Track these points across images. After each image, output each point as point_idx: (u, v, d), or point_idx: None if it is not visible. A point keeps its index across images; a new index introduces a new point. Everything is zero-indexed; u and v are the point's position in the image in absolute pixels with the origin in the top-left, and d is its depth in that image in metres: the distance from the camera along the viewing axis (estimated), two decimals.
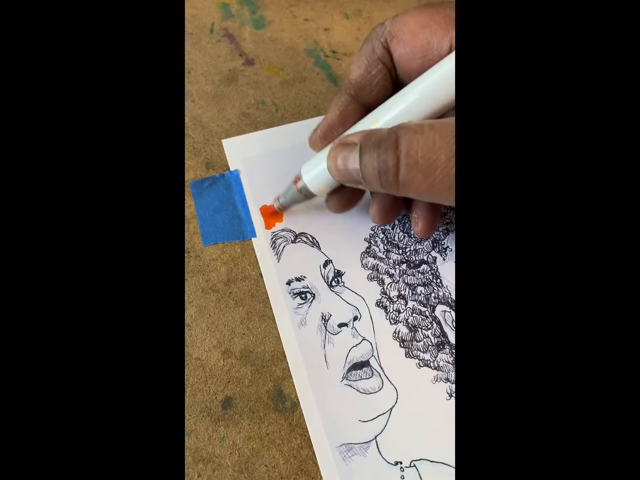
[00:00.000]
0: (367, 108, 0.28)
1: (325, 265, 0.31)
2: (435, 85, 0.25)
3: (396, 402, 0.28)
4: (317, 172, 0.29)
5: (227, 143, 0.35)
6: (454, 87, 0.24)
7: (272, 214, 0.33)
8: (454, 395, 0.28)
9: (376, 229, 0.33)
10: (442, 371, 0.29)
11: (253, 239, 0.32)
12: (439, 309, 0.30)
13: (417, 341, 0.29)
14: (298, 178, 0.30)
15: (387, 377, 0.28)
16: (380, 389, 0.28)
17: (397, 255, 0.32)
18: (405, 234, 0.32)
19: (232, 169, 0.34)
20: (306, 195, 0.30)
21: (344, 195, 0.30)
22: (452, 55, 0.24)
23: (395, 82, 0.28)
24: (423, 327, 0.30)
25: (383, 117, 0.26)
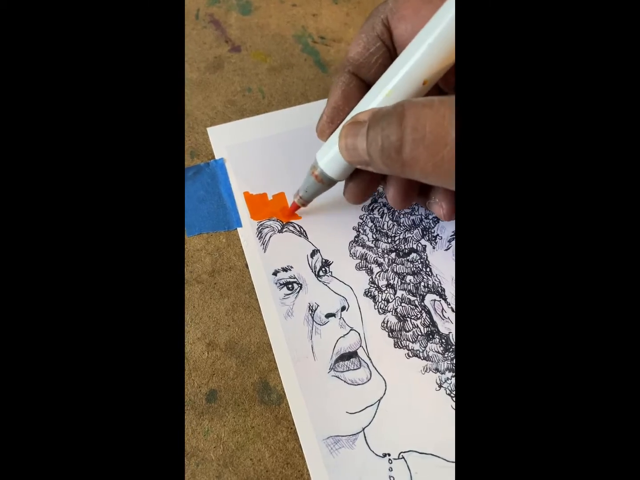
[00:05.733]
0: (369, 85, 0.26)
1: (312, 254, 0.31)
2: (445, 30, 0.22)
3: (385, 393, 0.27)
4: (332, 155, 0.27)
5: (212, 131, 0.34)
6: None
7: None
8: (443, 385, 0.27)
9: (365, 218, 0.32)
10: (432, 361, 0.28)
11: (238, 229, 0.31)
12: (429, 298, 0.30)
13: (406, 331, 0.29)
14: (314, 167, 0.28)
15: (375, 368, 0.28)
16: (368, 380, 0.28)
17: (386, 244, 0.31)
18: (395, 222, 0.32)
19: (217, 157, 0.33)
20: (327, 183, 0.28)
21: (361, 184, 0.28)
22: (452, 2, 0.21)
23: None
24: (412, 317, 0.29)
25: (391, 81, 0.24)
